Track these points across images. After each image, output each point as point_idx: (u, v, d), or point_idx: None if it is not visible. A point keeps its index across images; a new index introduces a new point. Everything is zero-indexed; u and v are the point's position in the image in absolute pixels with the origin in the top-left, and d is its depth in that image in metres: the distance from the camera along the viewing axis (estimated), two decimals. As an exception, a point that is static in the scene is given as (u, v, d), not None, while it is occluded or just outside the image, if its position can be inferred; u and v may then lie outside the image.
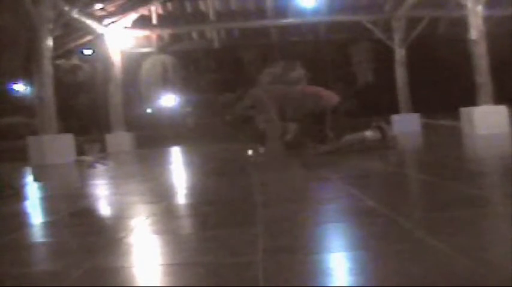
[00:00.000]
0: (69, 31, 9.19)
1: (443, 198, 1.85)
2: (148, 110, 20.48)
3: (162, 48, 11.83)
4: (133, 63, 12.95)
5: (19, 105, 17.44)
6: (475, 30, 6.79)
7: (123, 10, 9.62)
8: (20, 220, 2.08)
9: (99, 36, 9.63)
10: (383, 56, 12.00)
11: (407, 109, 9.99)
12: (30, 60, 6.81)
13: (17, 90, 19.00)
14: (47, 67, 6.40)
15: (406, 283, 0.92)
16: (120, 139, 9.63)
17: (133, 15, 9.85)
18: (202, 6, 10.52)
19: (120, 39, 9.98)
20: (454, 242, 1.17)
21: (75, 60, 17.44)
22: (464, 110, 7.00)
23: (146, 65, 17.41)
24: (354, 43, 14.88)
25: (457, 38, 8.95)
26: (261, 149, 4.75)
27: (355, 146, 4.59)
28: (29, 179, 4.61)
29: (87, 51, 14.36)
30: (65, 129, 7.24)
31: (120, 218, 2.01)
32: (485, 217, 1.50)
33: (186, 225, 1.75)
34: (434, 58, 15.31)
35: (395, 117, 9.88)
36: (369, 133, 4.64)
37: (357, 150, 4.50)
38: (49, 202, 2.67)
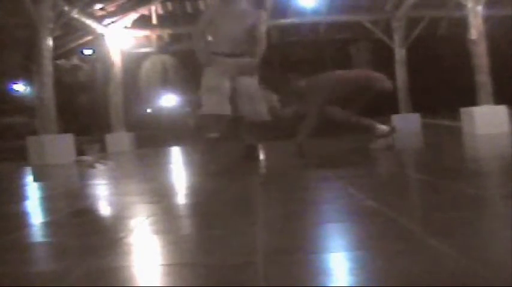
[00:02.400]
0: (69, 31, 9.18)
1: (443, 198, 1.85)
2: (149, 110, 20.49)
3: (162, 48, 11.82)
4: (133, 63, 12.94)
5: (19, 105, 17.45)
6: (475, 30, 6.78)
7: (123, 10, 9.62)
8: (20, 219, 2.08)
9: (99, 36, 9.63)
10: (383, 56, 11.99)
11: (407, 109, 9.99)
12: (30, 60, 6.82)
13: (17, 90, 19.00)
14: (47, 67, 6.39)
15: (406, 283, 0.92)
16: (120, 139, 9.62)
17: (133, 15, 9.84)
18: (202, 6, 10.51)
19: (120, 39, 9.97)
20: (455, 242, 1.17)
21: (75, 60, 17.44)
22: (464, 110, 7.00)
23: (146, 65, 17.42)
24: (354, 43, 14.88)
25: (457, 38, 8.95)
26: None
27: (361, 129, 4.52)
28: (29, 179, 4.61)
29: (87, 51, 14.36)
30: (65, 129, 7.24)
31: (120, 218, 2.01)
32: (486, 217, 1.50)
33: (186, 225, 1.75)
34: (435, 58, 15.31)
35: (395, 117, 9.87)
36: (381, 127, 4.55)
37: (360, 133, 4.49)
38: (49, 202, 2.67)
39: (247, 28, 3.96)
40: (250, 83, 4.00)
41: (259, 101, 4.03)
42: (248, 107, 3.94)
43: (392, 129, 4.57)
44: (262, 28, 4.06)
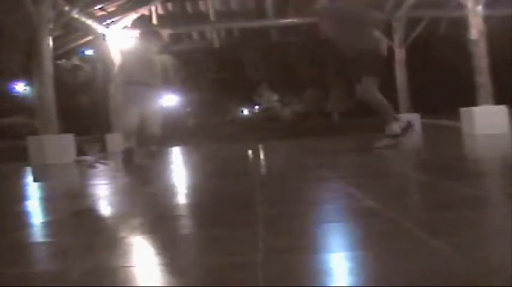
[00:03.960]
0: (69, 31, 9.19)
1: (443, 198, 1.85)
2: (149, 110, 20.46)
3: (162, 49, 11.82)
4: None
5: (19, 105, 17.45)
6: (475, 30, 6.79)
7: (123, 10, 9.62)
8: (20, 219, 2.08)
9: (99, 36, 9.63)
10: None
11: (407, 109, 9.99)
12: (31, 60, 6.81)
13: (17, 91, 18.99)
14: (47, 67, 6.39)
15: (406, 283, 0.92)
16: (120, 139, 9.61)
17: (133, 15, 9.85)
18: (202, 6, 10.51)
19: (120, 39, 9.98)
20: (455, 242, 1.17)
21: (75, 61, 17.43)
22: (464, 110, 7.00)
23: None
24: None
25: (457, 38, 8.95)
26: None
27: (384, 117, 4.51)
28: (29, 179, 4.61)
29: (87, 51, 14.36)
30: (65, 129, 7.23)
31: (120, 217, 2.01)
32: (486, 217, 1.51)
33: (186, 225, 1.75)
34: (435, 58, 15.31)
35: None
36: (394, 127, 4.54)
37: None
38: (49, 202, 2.67)
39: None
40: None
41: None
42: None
43: (402, 132, 4.58)
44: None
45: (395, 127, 4.54)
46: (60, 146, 6.30)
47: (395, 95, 10.16)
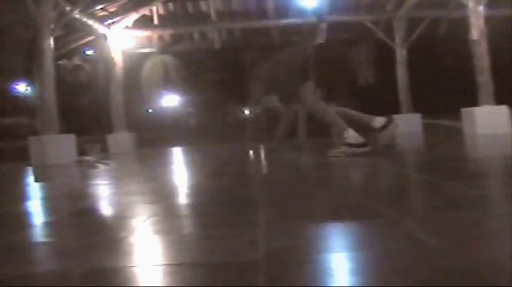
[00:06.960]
0: (70, 31, 9.20)
1: (444, 198, 1.85)
2: (150, 111, 20.49)
3: (163, 49, 11.84)
4: (134, 63, 12.96)
5: (20, 105, 17.50)
6: (476, 30, 6.78)
7: (124, 10, 9.64)
8: (21, 219, 2.09)
9: (100, 37, 9.65)
10: (384, 56, 11.98)
11: (408, 109, 9.99)
12: (32, 60, 6.83)
13: (19, 91, 19.02)
14: (49, 67, 6.41)
15: (406, 283, 0.92)
16: (121, 139, 9.64)
17: (134, 16, 9.86)
18: (203, 6, 10.52)
19: (121, 39, 9.99)
20: (455, 242, 1.17)
21: (76, 61, 17.46)
22: (465, 110, 6.99)
23: (147, 65, 17.42)
24: (355, 43, 14.87)
25: (458, 38, 8.95)
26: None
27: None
28: (30, 179, 4.62)
29: (88, 52, 14.38)
30: (66, 129, 7.24)
31: (121, 218, 2.02)
32: (486, 217, 1.51)
33: (187, 225, 1.76)
34: (436, 58, 15.30)
35: (396, 118, 9.88)
36: (353, 134, 4.19)
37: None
38: (50, 202, 2.68)
39: None
40: None
41: None
42: None
43: (364, 144, 4.13)
44: None
45: (354, 135, 4.21)
46: (61, 146, 6.31)
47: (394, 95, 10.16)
